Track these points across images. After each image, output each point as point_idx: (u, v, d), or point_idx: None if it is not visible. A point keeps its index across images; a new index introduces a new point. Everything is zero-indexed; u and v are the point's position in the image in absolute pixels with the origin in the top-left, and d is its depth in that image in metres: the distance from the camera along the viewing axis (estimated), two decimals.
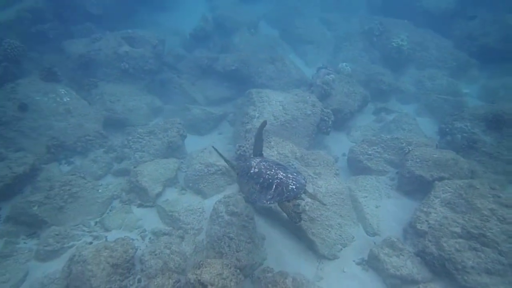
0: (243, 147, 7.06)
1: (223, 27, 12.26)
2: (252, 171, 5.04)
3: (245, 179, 5.12)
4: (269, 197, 4.71)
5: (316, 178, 6.55)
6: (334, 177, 6.73)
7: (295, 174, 4.98)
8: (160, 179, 6.57)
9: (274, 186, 4.75)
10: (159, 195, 6.45)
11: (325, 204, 5.87)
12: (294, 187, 4.72)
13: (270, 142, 7.10)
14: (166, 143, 7.23)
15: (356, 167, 7.38)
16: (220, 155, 5.45)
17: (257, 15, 12.94)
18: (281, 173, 4.88)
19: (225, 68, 9.66)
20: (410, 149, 6.90)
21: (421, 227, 5.58)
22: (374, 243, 5.93)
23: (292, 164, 6.59)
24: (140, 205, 6.29)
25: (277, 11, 14.03)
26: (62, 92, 7.61)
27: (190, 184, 6.74)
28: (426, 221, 5.62)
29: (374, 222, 6.23)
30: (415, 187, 6.55)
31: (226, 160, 5.51)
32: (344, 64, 9.62)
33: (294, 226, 5.84)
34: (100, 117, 7.81)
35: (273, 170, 4.93)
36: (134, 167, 6.92)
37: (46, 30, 9.62)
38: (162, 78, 9.68)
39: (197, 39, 11.40)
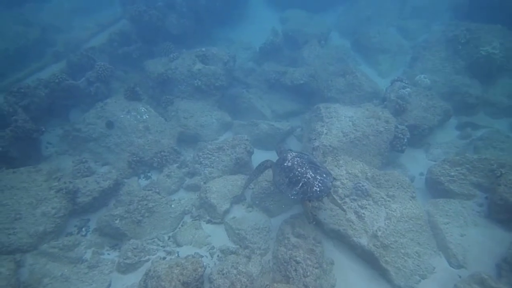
0: None
1: (292, 40, 12.30)
2: (285, 164, 5.49)
3: (278, 169, 5.62)
4: (294, 192, 5.16)
5: (389, 201, 6.15)
6: (411, 200, 6.25)
7: (324, 175, 5.30)
8: (227, 196, 6.75)
9: (300, 184, 5.15)
10: (226, 212, 6.62)
11: (344, 211, 5.71)
12: (318, 189, 5.08)
13: (339, 161, 6.87)
14: (234, 160, 7.41)
15: (436, 189, 6.76)
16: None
17: (327, 26, 12.73)
18: (311, 172, 5.24)
19: (293, 82, 9.64)
20: (503, 172, 6.11)
21: None
22: (459, 277, 5.37)
23: (362, 184, 6.26)
24: (209, 221, 6.52)
25: (348, 21, 13.64)
26: (142, 110, 8.29)
27: (257, 202, 6.80)
28: None
29: (459, 252, 5.63)
30: (510, 216, 5.76)
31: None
32: (422, 76, 8.93)
33: (365, 252, 5.54)
34: (175, 133, 8.33)
35: (304, 168, 5.31)
36: (204, 182, 7.23)
37: (131, 51, 10.59)
38: (232, 93, 10.01)
39: (266, 53, 11.58)
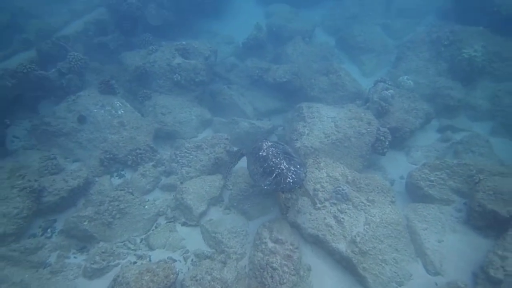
0: None
1: (276, 35, 12.07)
2: (260, 154, 5.56)
3: (253, 158, 5.69)
4: (267, 183, 5.21)
5: (369, 205, 6.07)
6: (390, 205, 6.20)
7: (298, 166, 5.36)
8: (205, 197, 6.53)
9: (274, 174, 5.20)
10: (203, 214, 6.41)
11: (316, 203, 5.86)
12: (291, 180, 5.13)
13: (319, 163, 6.74)
14: (213, 159, 7.18)
15: (416, 193, 6.72)
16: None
17: (312, 23, 12.54)
18: (285, 163, 5.30)
19: (276, 79, 9.43)
20: (481, 178, 6.11)
21: (495, 273, 4.89)
22: (436, 284, 5.33)
23: (343, 188, 6.16)
24: (184, 224, 6.30)
25: (334, 18, 13.48)
26: (117, 105, 7.93)
27: (235, 204, 6.62)
28: (502, 267, 4.92)
29: (436, 259, 5.59)
30: (487, 222, 5.77)
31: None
32: (405, 77, 8.88)
33: (343, 259, 5.44)
34: (151, 129, 8.01)
35: (278, 159, 5.37)
36: (181, 182, 6.98)
37: (107, 42, 10.14)
38: (213, 89, 9.74)
39: (249, 48, 11.33)
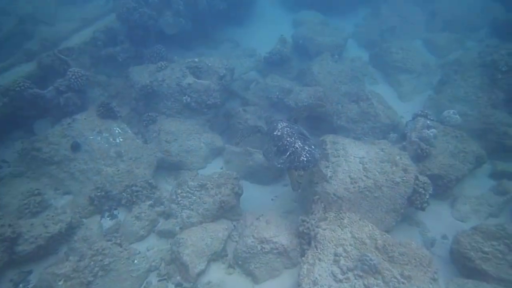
0: (307, 222, 5.79)
1: (303, 49, 11.03)
2: (275, 133, 5.69)
3: (268, 138, 5.85)
4: (281, 161, 5.38)
5: (404, 283, 4.96)
6: (431, 284, 5.04)
7: (313, 147, 5.51)
8: (205, 252, 5.65)
9: (288, 153, 5.35)
10: (201, 273, 5.52)
11: (328, 180, 5.98)
12: (305, 159, 5.27)
13: (343, 219, 5.72)
14: (218, 203, 6.29)
15: (464, 265, 5.55)
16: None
17: (344, 36, 11.36)
18: (299, 142, 5.44)
19: (298, 104, 8.45)
20: None
21: None
22: None
23: (370, 257, 5.11)
24: (178, 285, 5.44)
25: (369, 30, 12.25)
26: (116, 132, 7.19)
27: (240, 262, 5.70)
28: None
29: None
30: None
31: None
32: (451, 112, 7.57)
33: None
34: (153, 160, 7.21)
35: (293, 138, 5.51)
36: (180, 228, 6.15)
37: (116, 53, 9.46)
38: (226, 112, 8.84)
39: (272, 64, 10.34)
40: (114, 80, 9.51)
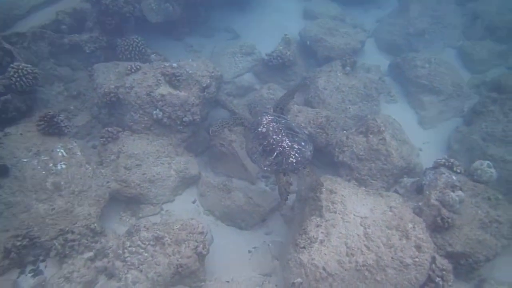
0: None
1: (310, 51, 9.38)
2: (259, 130, 5.24)
3: (252, 135, 5.36)
4: (267, 163, 5.00)
5: None
6: None
7: (302, 144, 5.10)
8: None
9: (275, 153, 4.95)
10: None
11: (322, 186, 5.37)
12: (294, 160, 4.90)
13: None
14: (174, 267, 5.04)
15: None
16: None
17: (361, 37, 9.63)
18: (287, 140, 5.02)
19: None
20: None
21: None
22: None
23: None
24: None
25: (392, 31, 10.38)
26: (59, 154, 5.83)
27: None
28: None
29: None
30: None
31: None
32: (485, 164, 5.98)
33: None
34: (104, 194, 5.90)
35: (280, 136, 5.08)
36: None
37: (82, 43, 7.96)
38: (210, 126, 7.42)
39: (272, 68, 8.78)
40: (79, 74, 8.10)
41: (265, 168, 5.06)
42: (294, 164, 4.88)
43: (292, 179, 5.10)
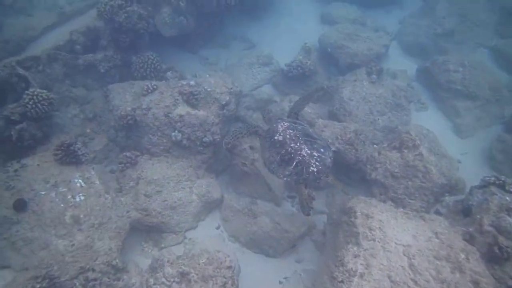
0: None
1: (331, 58, 8.92)
2: (276, 138, 5.04)
3: (267, 144, 5.17)
4: (287, 173, 4.78)
5: None
6: None
7: (322, 150, 4.90)
8: None
9: (294, 162, 4.75)
10: None
11: (349, 194, 5.29)
12: (315, 169, 4.69)
13: None
14: None
15: None
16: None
17: (384, 41, 9.11)
18: (306, 148, 4.82)
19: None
20: None
21: None
22: None
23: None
24: None
25: (417, 32, 9.81)
26: (78, 185, 5.58)
27: None
28: None
29: None
30: None
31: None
32: None
33: None
34: (124, 225, 5.61)
35: (298, 143, 4.88)
36: None
37: (96, 62, 7.75)
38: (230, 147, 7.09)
39: (291, 79, 8.38)
40: (94, 94, 7.89)
41: (285, 179, 4.91)
42: (316, 173, 4.70)
43: (315, 194, 4.90)
